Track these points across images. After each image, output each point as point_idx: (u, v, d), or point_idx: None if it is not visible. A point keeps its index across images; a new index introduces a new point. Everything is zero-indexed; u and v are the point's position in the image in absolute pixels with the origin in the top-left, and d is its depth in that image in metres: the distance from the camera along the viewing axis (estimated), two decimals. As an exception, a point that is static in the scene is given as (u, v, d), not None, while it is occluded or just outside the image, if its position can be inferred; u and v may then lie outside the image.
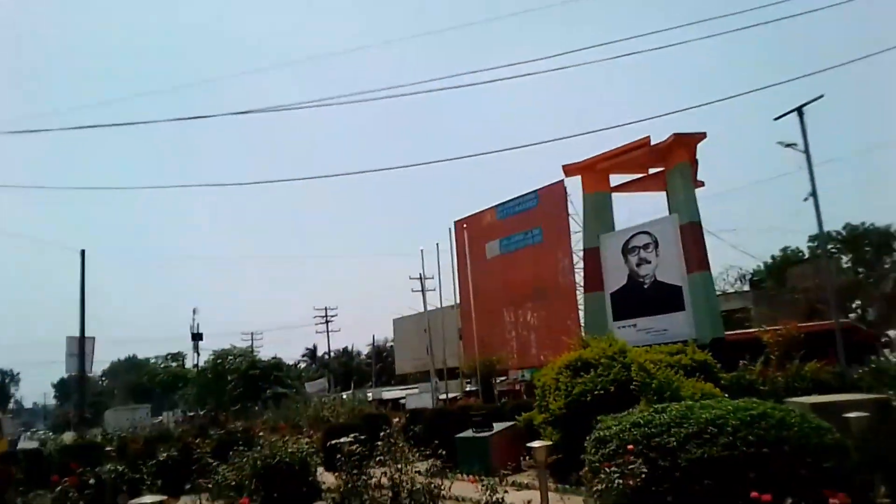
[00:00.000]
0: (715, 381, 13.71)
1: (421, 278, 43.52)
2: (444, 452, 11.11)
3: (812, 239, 50.80)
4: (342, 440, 9.93)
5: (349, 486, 9.26)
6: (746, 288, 49.74)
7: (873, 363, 15.48)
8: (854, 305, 40.52)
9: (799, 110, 18.81)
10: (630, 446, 4.75)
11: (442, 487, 10.67)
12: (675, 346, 15.49)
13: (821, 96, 18.96)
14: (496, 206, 34.56)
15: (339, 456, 9.64)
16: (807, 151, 18.72)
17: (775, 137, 29.26)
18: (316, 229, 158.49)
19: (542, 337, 31.12)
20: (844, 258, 50.97)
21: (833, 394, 14.42)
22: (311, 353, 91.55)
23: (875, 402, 10.97)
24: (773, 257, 58.57)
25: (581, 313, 29.26)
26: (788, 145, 19.08)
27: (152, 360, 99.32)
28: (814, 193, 18.58)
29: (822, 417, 10.34)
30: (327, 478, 10.29)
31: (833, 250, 51.40)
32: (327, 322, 68.76)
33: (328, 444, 12.29)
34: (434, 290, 41.07)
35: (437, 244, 38.09)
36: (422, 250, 48.07)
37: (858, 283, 40.66)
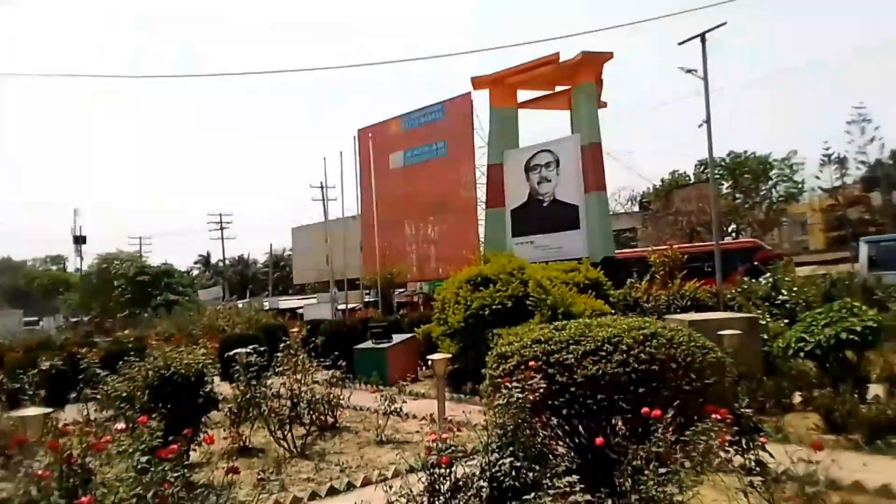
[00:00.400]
0: (605, 298, 14.43)
1: (322, 187, 42.57)
2: (343, 363, 11.21)
3: (700, 164, 53.55)
4: (240, 351, 9.77)
5: (247, 396, 9.19)
6: (636, 209, 52.20)
7: (743, 285, 16.78)
8: (730, 229, 43.58)
9: (702, 37, 19.29)
10: (531, 363, 4.90)
11: (341, 397, 10.84)
12: (570, 263, 16.08)
13: (724, 23, 19.50)
14: (402, 116, 33.91)
15: (235, 367, 9.51)
16: (705, 78, 19.37)
17: (683, 62, 30.00)
18: (214, 130, 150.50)
19: (443, 251, 31.54)
20: (725, 184, 54.32)
21: (709, 312, 15.59)
22: (205, 260, 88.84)
23: (746, 321, 11.96)
24: (662, 180, 61.51)
25: (481, 229, 29.76)
26: (689, 71, 19.62)
27: (29, 263, 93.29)
28: (708, 120, 19.35)
29: (699, 333, 11.20)
30: (224, 388, 10.17)
31: (716, 175, 54.54)
32: (221, 229, 66.55)
33: (225, 355, 12.09)
34: (336, 199, 40.44)
35: (341, 152, 37.07)
36: (324, 158, 46.88)
37: (735, 208, 43.59)
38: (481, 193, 30.01)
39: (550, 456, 4.97)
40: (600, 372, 4.79)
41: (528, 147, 28.25)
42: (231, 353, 10.08)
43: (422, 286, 39.05)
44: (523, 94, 29.55)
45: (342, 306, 36.81)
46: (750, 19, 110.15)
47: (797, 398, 9.98)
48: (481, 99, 29.90)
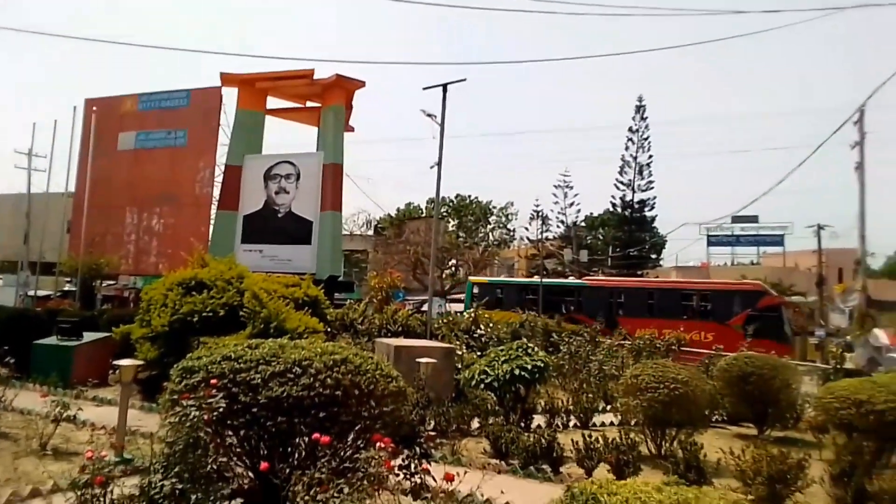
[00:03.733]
0: (322, 316, 14.65)
1: (29, 154, 37.16)
2: (12, 360, 9.80)
3: (431, 201, 57.47)
4: None
5: None
6: (371, 233, 53.99)
7: (449, 316, 18.31)
8: (451, 263, 47.27)
9: (444, 86, 20.83)
10: (214, 380, 4.79)
11: (2, 398, 9.44)
12: (293, 278, 16.04)
13: (464, 79, 21.31)
14: (141, 94, 31.02)
15: None
16: (442, 124, 20.89)
17: (433, 105, 32.07)
18: None
19: (166, 245, 29.27)
20: (452, 222, 58.85)
21: (417, 339, 16.68)
22: None
23: (444, 350, 13.03)
24: (398, 209, 64.60)
25: (210, 228, 28.32)
26: (429, 115, 21.01)
27: None
28: (439, 163, 20.86)
29: (400, 358, 11.90)
30: None
31: (445, 213, 58.81)
32: None
33: None
34: (44, 170, 35.56)
35: (56, 120, 33.18)
36: (34, 123, 40.91)
37: (457, 245, 47.47)
38: (217, 192, 28.62)
39: (225, 477, 4.89)
40: (284, 394, 4.86)
41: (270, 155, 27.75)
42: None
43: (136, 280, 35.69)
44: (274, 102, 29.06)
45: (32, 292, 32.06)
46: (511, 80, 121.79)
47: (475, 424, 11.09)
48: (234, 97, 28.64)
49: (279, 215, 26.74)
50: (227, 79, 28.06)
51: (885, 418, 8.76)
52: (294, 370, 5.07)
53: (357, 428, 5.26)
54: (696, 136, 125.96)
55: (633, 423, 10.72)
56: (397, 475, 5.35)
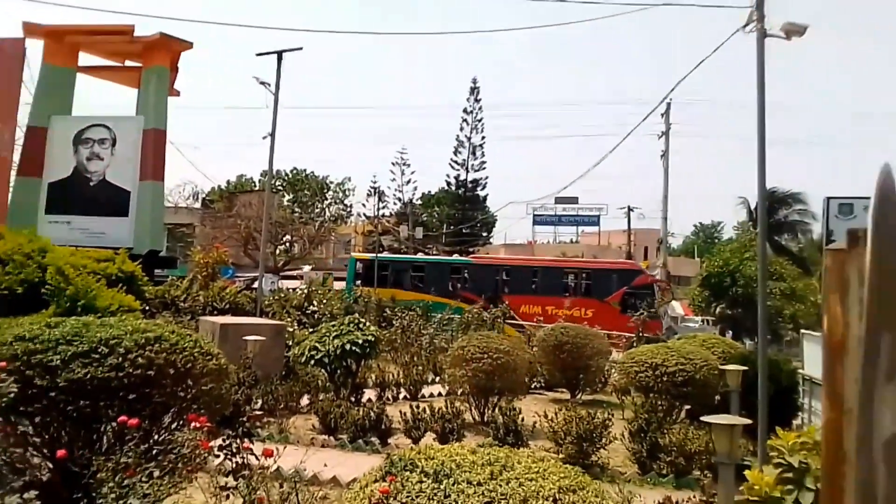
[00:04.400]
0: (139, 294, 13.63)
1: None
2: None
3: (264, 174, 55.33)
4: None
5: None
6: (198, 206, 50.97)
7: (281, 293, 17.87)
8: (285, 239, 45.97)
9: (279, 54, 20.05)
10: (3, 363, 4.29)
11: None
12: (106, 252, 14.76)
13: (300, 48, 20.65)
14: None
15: None
16: (276, 93, 20.13)
17: (267, 72, 30.46)
18: None
19: (-53, 215, 25.55)
20: (287, 196, 57.17)
21: (246, 316, 16.09)
22: None
23: (274, 328, 12.71)
24: (228, 182, 61.55)
25: (9, 197, 25.11)
26: (262, 83, 20.15)
27: None
28: (273, 134, 20.14)
29: (226, 336, 11.44)
30: None
31: (279, 187, 57.01)
32: None
33: None
34: None
35: None
36: None
37: (292, 220, 46.24)
38: (17, 156, 25.41)
39: (18, 469, 4.42)
40: (88, 376, 4.46)
41: (81, 117, 25.10)
42: None
43: None
44: (88, 59, 26.25)
45: None
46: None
47: (305, 401, 10.96)
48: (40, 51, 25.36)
49: (91, 184, 24.33)
50: (30, 29, 24.82)
51: (675, 379, 9.88)
52: (100, 350, 4.66)
53: (173, 410, 4.99)
54: (524, 120, 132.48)
55: (459, 392, 11.17)
56: (217, 456, 5.16)
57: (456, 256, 38.42)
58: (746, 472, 4.37)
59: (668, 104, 33.07)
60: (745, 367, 8.68)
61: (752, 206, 35.82)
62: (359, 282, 30.29)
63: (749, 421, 5.62)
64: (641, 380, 10.29)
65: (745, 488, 4.06)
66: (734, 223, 59.43)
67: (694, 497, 6.41)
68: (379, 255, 33.59)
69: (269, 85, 20.39)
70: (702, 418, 5.67)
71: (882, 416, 1.37)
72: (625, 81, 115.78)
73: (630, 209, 49.19)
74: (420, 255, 36.73)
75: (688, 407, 10.54)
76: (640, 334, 20.03)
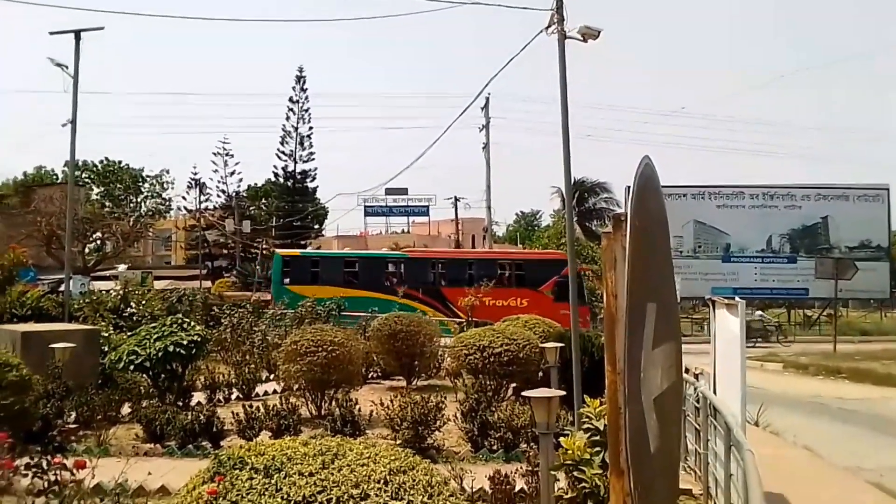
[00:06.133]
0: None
1: None
2: None
3: (66, 165, 50.31)
4: None
5: None
6: (-12, 202, 45.12)
7: (93, 295, 16.42)
8: (94, 237, 42.05)
9: (77, 33, 18.30)
10: None
11: None
12: None
13: (101, 27, 18.99)
14: None
15: None
16: (75, 76, 18.38)
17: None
18: None
19: None
20: (96, 189, 52.35)
21: (52, 322, 14.62)
22: None
23: (85, 333, 11.70)
24: (24, 174, 55.13)
25: None
26: (59, 65, 18.29)
27: None
28: (73, 121, 18.37)
29: (30, 345, 10.37)
30: None
31: (86, 180, 52.07)
32: None
33: None
34: None
35: None
36: None
37: (103, 215, 42.43)
38: None
39: None
40: None
41: None
42: None
43: None
44: None
45: None
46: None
47: (126, 410, 10.24)
48: None
49: None
50: None
51: (501, 359, 10.51)
52: None
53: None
54: (351, 110, 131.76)
55: (295, 388, 11.02)
56: (25, 475, 4.74)
57: (385, 250, 37.45)
58: (562, 440, 4.83)
59: (487, 98, 34.61)
60: (562, 344, 9.41)
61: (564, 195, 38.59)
62: (287, 280, 28.65)
63: (564, 392, 6.13)
64: (471, 362, 10.82)
65: (560, 453, 4.49)
66: (550, 211, 63.73)
67: (521, 468, 6.90)
68: (307, 252, 32.14)
69: (67, 67, 18.59)
70: (523, 393, 6.11)
71: (653, 376, 1.64)
72: (451, 74, 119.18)
73: (457, 199, 50.90)
74: (350, 251, 35.38)
75: (514, 385, 11.22)
76: (470, 319, 20.89)
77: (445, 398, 9.19)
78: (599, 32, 9.01)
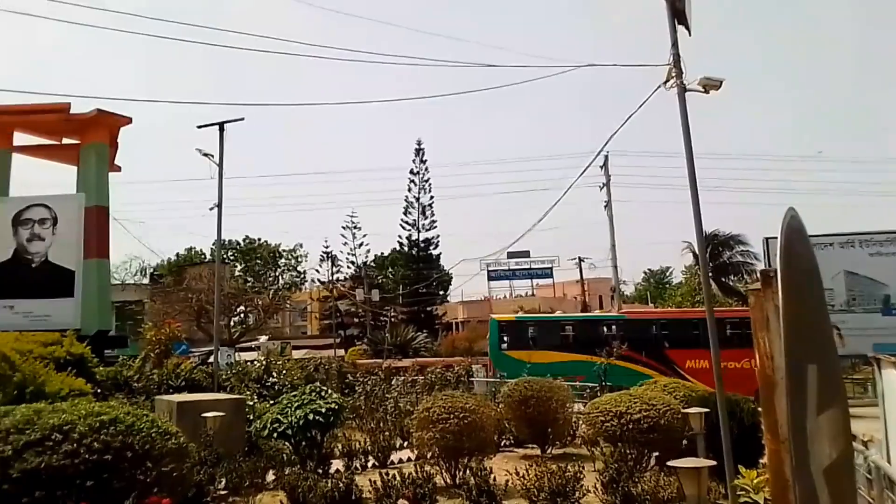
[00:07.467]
0: (89, 376, 13.24)
1: None
2: None
3: (215, 245, 54.76)
4: None
5: None
6: (146, 281, 49.85)
7: (239, 366, 17.46)
8: (238, 310, 45.12)
9: (220, 125, 20.16)
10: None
11: None
12: (52, 335, 14.35)
13: (242, 118, 20.86)
14: None
15: None
16: (220, 164, 20.15)
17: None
18: None
19: None
20: (239, 266, 56.47)
21: (202, 392, 15.64)
22: None
23: (233, 402, 12.39)
24: (177, 255, 60.52)
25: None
26: (206, 154, 20.17)
27: None
28: (219, 205, 20.06)
29: (184, 415, 11.10)
30: None
31: (230, 258, 56.34)
32: None
33: None
34: None
35: None
36: None
37: (245, 290, 45.55)
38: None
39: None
40: (43, 465, 4.32)
41: (19, 197, 24.56)
42: None
43: None
44: (24, 139, 25.87)
45: None
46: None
47: (271, 476, 10.63)
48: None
49: (33, 265, 23.63)
50: (-41, 114, 24.43)
51: (640, 426, 9.96)
52: (53, 437, 4.51)
53: (134, 494, 4.83)
54: (471, 178, 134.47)
55: (429, 455, 10.98)
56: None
57: (597, 312, 35.98)
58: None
59: (606, 156, 34.24)
60: (707, 409, 8.81)
61: (697, 250, 36.76)
62: (504, 345, 29.29)
63: (714, 462, 5.71)
64: (608, 429, 10.34)
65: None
66: (682, 267, 61.01)
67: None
68: (521, 316, 32.55)
69: (213, 156, 20.44)
70: (668, 463, 5.74)
71: (820, 445, 1.47)
72: (565, 136, 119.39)
73: (581, 260, 50.06)
74: (559, 313, 35.52)
75: (656, 454, 10.58)
76: (604, 384, 20.09)
77: (583, 467, 8.80)
78: (721, 83, 8.73)
